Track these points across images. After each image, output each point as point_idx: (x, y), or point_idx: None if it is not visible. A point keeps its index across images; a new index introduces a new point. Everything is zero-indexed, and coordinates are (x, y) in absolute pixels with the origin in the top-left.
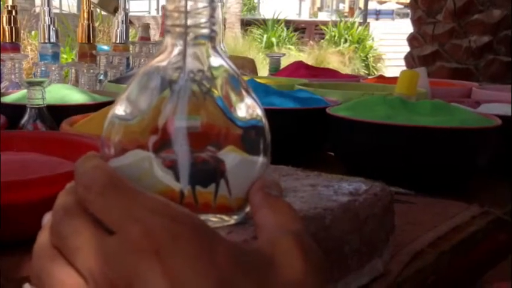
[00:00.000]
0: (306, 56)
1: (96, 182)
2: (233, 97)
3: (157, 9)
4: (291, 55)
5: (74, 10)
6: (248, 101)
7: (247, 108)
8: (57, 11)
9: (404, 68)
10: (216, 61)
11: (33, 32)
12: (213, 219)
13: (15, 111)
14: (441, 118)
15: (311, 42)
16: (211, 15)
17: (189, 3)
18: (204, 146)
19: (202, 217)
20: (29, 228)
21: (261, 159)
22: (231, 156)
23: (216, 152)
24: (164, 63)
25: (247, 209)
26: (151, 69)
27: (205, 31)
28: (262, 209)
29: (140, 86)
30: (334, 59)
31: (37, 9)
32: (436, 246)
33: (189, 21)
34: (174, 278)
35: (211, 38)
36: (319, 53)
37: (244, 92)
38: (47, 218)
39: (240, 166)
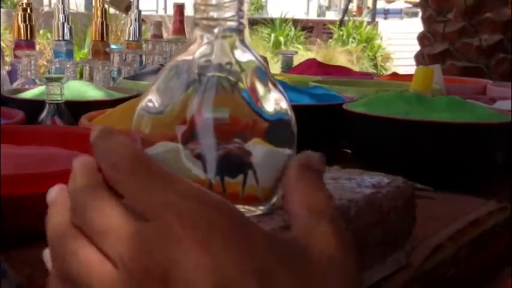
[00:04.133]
0: (314, 55)
1: (125, 161)
2: (260, 90)
3: (164, 9)
4: (299, 54)
5: (82, 9)
6: (275, 94)
7: (274, 101)
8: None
9: (414, 67)
10: (244, 54)
11: (41, 31)
12: (242, 210)
13: (34, 106)
14: (458, 114)
15: (319, 41)
16: (239, 9)
17: None
18: (231, 138)
19: None
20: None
21: (287, 151)
22: (258, 148)
23: (242, 143)
24: (192, 56)
25: (274, 200)
26: (180, 62)
27: (233, 24)
28: (295, 192)
29: (169, 79)
30: (342, 58)
31: (45, 8)
32: (455, 240)
33: (217, 14)
34: (211, 266)
35: (240, 31)
36: (327, 52)
37: (271, 85)
38: (53, 195)
39: (267, 157)
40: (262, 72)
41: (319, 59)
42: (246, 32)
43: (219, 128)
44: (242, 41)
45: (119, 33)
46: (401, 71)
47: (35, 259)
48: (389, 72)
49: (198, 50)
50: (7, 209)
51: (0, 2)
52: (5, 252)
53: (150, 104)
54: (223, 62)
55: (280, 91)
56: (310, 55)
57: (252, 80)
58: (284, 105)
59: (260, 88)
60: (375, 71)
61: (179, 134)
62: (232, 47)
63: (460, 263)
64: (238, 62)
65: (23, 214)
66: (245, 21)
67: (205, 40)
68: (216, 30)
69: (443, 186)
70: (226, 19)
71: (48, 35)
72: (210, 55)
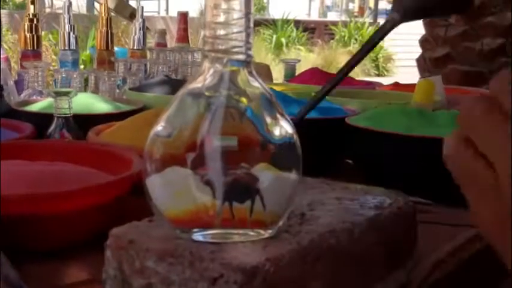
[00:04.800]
0: (316, 56)
1: None
2: (267, 118)
3: (166, 10)
4: (300, 56)
5: (83, 10)
6: (281, 120)
7: (280, 128)
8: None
9: (415, 69)
10: (251, 83)
11: (43, 33)
12: (251, 233)
13: (42, 120)
14: None
15: (320, 42)
16: (247, 41)
17: (225, 29)
18: (238, 163)
19: (240, 231)
20: (63, 237)
21: (293, 175)
22: (265, 173)
23: (249, 169)
24: (202, 85)
25: (281, 223)
26: (190, 90)
27: (241, 56)
28: None
29: (180, 106)
30: (343, 59)
31: (47, 10)
32: (455, 255)
33: (225, 46)
34: None
35: (247, 62)
36: (328, 53)
37: (278, 115)
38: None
39: (274, 183)
40: (269, 102)
41: (320, 60)
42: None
43: (227, 154)
44: (250, 72)
45: (120, 34)
46: (403, 71)
47: (47, 274)
48: (390, 73)
49: (207, 80)
50: (19, 227)
51: (0, 3)
52: (18, 267)
53: (162, 131)
54: (231, 91)
55: (287, 119)
56: (312, 56)
57: (259, 108)
58: (290, 130)
59: (267, 115)
60: (376, 72)
61: (189, 160)
62: (240, 77)
63: (461, 279)
64: (245, 91)
65: (35, 231)
66: (252, 53)
67: (214, 71)
68: (224, 61)
69: (443, 200)
70: (234, 51)
71: (50, 36)
72: (219, 85)
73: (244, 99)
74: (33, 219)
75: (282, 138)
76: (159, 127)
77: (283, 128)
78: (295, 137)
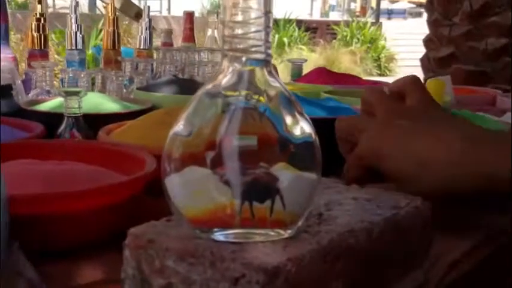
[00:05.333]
0: (318, 56)
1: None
2: (287, 118)
3: (168, 9)
4: (302, 55)
5: (85, 10)
6: (301, 122)
7: (299, 127)
8: (67, 10)
9: (418, 69)
10: (271, 83)
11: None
12: (271, 233)
13: (52, 119)
14: None
15: (322, 41)
16: (266, 40)
17: (244, 28)
18: (257, 163)
19: (260, 231)
20: (76, 237)
21: (312, 175)
22: (284, 173)
23: (268, 168)
24: (221, 84)
25: (300, 223)
26: (209, 90)
27: (260, 55)
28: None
29: (199, 106)
30: (345, 59)
31: (49, 10)
32: (471, 255)
33: (244, 45)
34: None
35: (267, 61)
36: (331, 53)
37: (297, 114)
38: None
39: (294, 182)
40: (288, 100)
41: (322, 60)
42: None
43: (246, 154)
44: (269, 71)
45: (122, 33)
46: (405, 71)
47: (61, 275)
48: (393, 73)
49: (227, 79)
50: (32, 227)
51: (6, 3)
52: (35, 268)
53: (182, 130)
54: (251, 90)
55: (306, 118)
56: (314, 56)
57: (278, 107)
58: (309, 129)
59: (286, 115)
60: (378, 72)
61: (208, 159)
62: (259, 76)
63: (478, 278)
64: (264, 90)
65: (50, 232)
66: (271, 52)
67: (233, 70)
68: (243, 60)
69: (455, 200)
70: (252, 51)
71: (52, 36)
72: (238, 84)
73: (263, 99)
74: (46, 219)
75: (302, 137)
76: (179, 126)
77: (302, 128)
78: (315, 136)
